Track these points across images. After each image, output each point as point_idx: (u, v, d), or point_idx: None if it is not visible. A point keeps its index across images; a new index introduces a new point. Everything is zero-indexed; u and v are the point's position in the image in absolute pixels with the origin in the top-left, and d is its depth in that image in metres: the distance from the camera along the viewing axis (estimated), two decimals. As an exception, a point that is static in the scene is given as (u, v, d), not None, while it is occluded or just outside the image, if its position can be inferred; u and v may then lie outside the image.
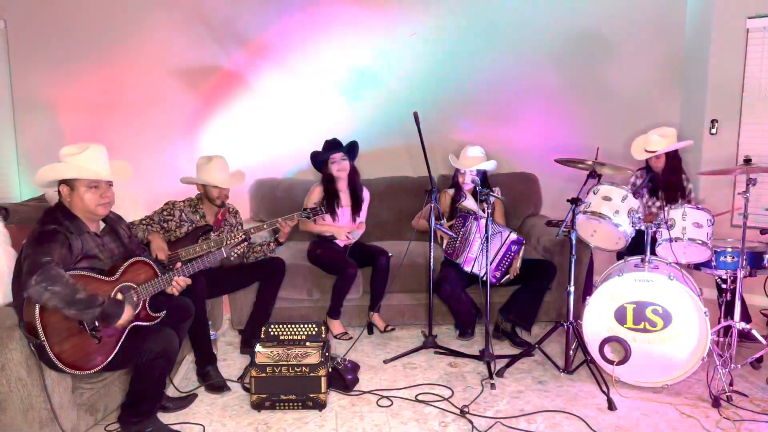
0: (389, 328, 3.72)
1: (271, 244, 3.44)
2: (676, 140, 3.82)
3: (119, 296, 2.39)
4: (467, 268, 3.49)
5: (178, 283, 2.62)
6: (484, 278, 3.27)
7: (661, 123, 4.09)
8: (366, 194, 4.00)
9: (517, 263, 3.53)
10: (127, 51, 4.44)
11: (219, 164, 3.30)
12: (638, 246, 3.23)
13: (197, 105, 4.55)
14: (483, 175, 3.88)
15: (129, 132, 4.50)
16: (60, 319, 2.18)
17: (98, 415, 2.55)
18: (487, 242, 3.23)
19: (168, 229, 3.23)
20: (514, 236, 3.42)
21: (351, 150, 3.88)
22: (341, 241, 3.84)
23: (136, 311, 2.44)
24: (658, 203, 3.84)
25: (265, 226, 3.31)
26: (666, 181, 3.79)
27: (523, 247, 3.49)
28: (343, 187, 3.88)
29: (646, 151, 3.82)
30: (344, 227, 3.80)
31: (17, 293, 2.26)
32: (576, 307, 3.18)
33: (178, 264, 2.68)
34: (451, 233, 3.57)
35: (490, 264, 3.36)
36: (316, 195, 3.81)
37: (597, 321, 3.02)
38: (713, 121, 4.36)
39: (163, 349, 2.44)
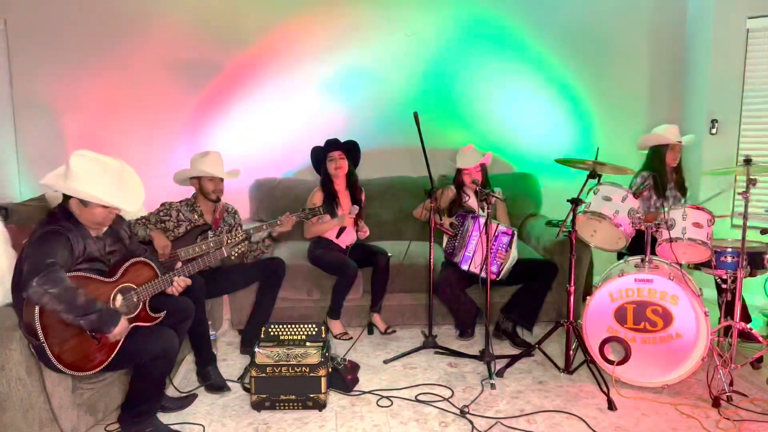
0: (390, 330, 3.71)
1: (266, 240, 3.44)
2: None
3: (119, 299, 2.39)
4: (464, 267, 3.49)
5: (179, 283, 2.62)
6: (483, 275, 3.25)
7: (661, 123, 4.08)
8: (362, 195, 3.99)
9: (512, 252, 3.47)
10: (127, 51, 4.44)
11: (214, 158, 3.30)
12: (638, 246, 3.22)
13: (198, 105, 4.55)
14: (485, 173, 3.87)
15: (129, 132, 4.50)
16: (60, 320, 2.17)
17: (98, 415, 2.55)
18: (487, 242, 3.23)
19: (166, 228, 3.23)
20: (503, 227, 3.41)
21: (350, 150, 3.87)
22: (342, 243, 3.84)
23: (136, 312, 2.44)
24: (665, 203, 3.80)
25: (264, 227, 3.31)
26: (677, 179, 3.79)
27: (514, 239, 3.44)
28: (341, 188, 3.87)
29: (677, 142, 3.77)
30: (344, 215, 3.72)
31: (17, 294, 2.26)
32: (576, 307, 3.18)
33: (179, 264, 2.68)
34: (449, 231, 3.57)
35: (486, 258, 3.35)
36: (317, 199, 3.80)
37: (597, 321, 3.02)
38: (713, 121, 4.36)
39: (163, 349, 2.44)
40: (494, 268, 3.44)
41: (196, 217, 3.31)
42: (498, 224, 3.41)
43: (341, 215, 3.74)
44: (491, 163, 3.97)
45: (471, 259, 3.46)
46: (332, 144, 3.83)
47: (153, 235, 3.12)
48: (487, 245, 3.22)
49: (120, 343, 2.36)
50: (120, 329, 2.29)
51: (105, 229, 2.50)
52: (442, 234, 3.69)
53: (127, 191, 2.35)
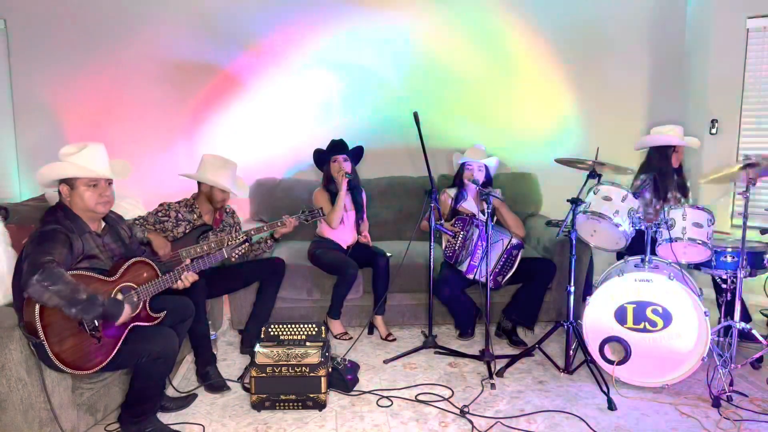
0: (390, 337, 3.70)
1: (269, 241, 3.43)
2: None
3: (119, 296, 2.39)
4: (470, 276, 3.49)
5: (186, 278, 2.62)
6: (491, 285, 3.26)
7: (661, 123, 4.08)
8: (363, 195, 3.99)
9: (516, 263, 3.52)
10: (127, 51, 4.44)
11: (232, 171, 3.30)
12: (638, 246, 3.22)
13: (197, 105, 4.55)
14: (488, 176, 3.88)
15: (129, 132, 4.49)
16: (60, 319, 2.18)
17: (98, 415, 2.55)
18: (488, 244, 3.22)
19: (165, 229, 3.22)
20: (515, 241, 3.43)
21: (355, 155, 3.89)
22: (343, 243, 3.84)
23: (137, 311, 2.44)
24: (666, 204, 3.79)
25: (265, 228, 3.31)
26: (678, 180, 3.78)
27: (522, 250, 3.50)
28: (343, 189, 3.86)
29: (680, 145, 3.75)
30: (339, 180, 3.74)
31: (17, 293, 2.26)
32: (576, 307, 3.18)
33: (188, 260, 2.68)
34: (450, 233, 3.57)
35: (493, 270, 3.37)
36: (322, 199, 3.79)
37: (597, 321, 3.02)
38: (713, 121, 4.37)
39: (163, 349, 2.44)
40: (500, 279, 3.46)
41: (195, 217, 3.31)
42: (510, 237, 3.42)
43: (339, 186, 3.74)
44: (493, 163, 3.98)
45: (477, 268, 3.46)
46: (338, 147, 3.83)
47: (150, 237, 3.11)
48: (488, 247, 3.22)
49: (120, 343, 2.36)
50: (125, 317, 2.32)
51: (104, 224, 2.51)
52: (441, 235, 3.69)
53: (99, 161, 2.42)
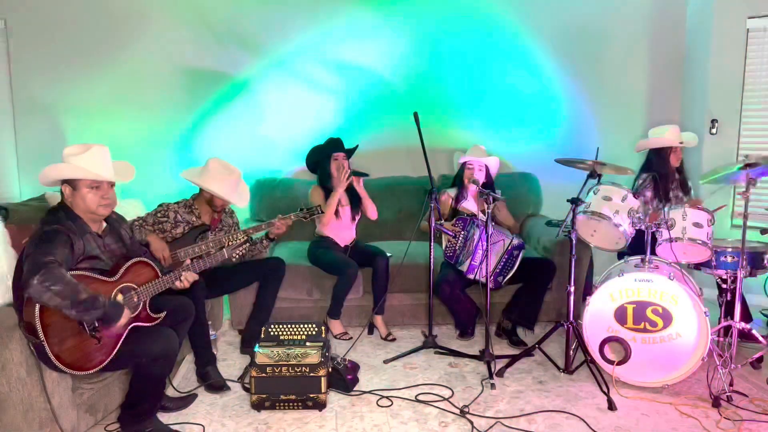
0: (390, 337, 3.70)
1: (264, 241, 3.41)
2: None
3: (119, 297, 2.39)
4: (470, 276, 3.49)
5: (186, 278, 2.62)
6: (490, 285, 3.26)
7: (661, 123, 4.09)
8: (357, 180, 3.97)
9: (517, 263, 3.53)
10: (128, 51, 4.43)
11: (237, 179, 3.29)
12: (638, 246, 3.22)
13: (197, 105, 4.55)
14: (488, 176, 3.88)
15: (129, 132, 4.49)
16: (60, 320, 2.18)
17: (98, 415, 2.55)
18: (488, 244, 3.22)
19: (163, 229, 3.22)
20: (516, 241, 3.43)
21: (352, 153, 3.89)
22: (342, 242, 3.84)
23: (137, 312, 2.44)
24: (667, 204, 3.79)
25: (263, 226, 3.30)
26: (679, 178, 3.78)
27: (523, 251, 3.50)
28: (343, 187, 3.86)
29: (679, 143, 3.75)
30: (337, 179, 3.73)
31: (18, 293, 2.26)
32: (576, 307, 3.18)
33: (188, 261, 2.68)
34: (450, 233, 3.57)
35: (494, 271, 3.37)
36: (318, 196, 3.79)
37: (597, 321, 3.02)
38: (713, 121, 4.36)
39: (163, 349, 2.44)
40: (501, 279, 3.46)
41: (194, 219, 3.30)
42: (512, 237, 3.42)
43: (335, 182, 3.73)
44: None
45: (477, 268, 3.46)
46: (337, 145, 3.83)
47: (149, 238, 3.10)
48: (487, 246, 3.22)
49: (120, 343, 2.36)
50: (123, 321, 2.32)
51: (105, 225, 2.51)
52: (441, 235, 3.69)
53: (103, 164, 2.41)
